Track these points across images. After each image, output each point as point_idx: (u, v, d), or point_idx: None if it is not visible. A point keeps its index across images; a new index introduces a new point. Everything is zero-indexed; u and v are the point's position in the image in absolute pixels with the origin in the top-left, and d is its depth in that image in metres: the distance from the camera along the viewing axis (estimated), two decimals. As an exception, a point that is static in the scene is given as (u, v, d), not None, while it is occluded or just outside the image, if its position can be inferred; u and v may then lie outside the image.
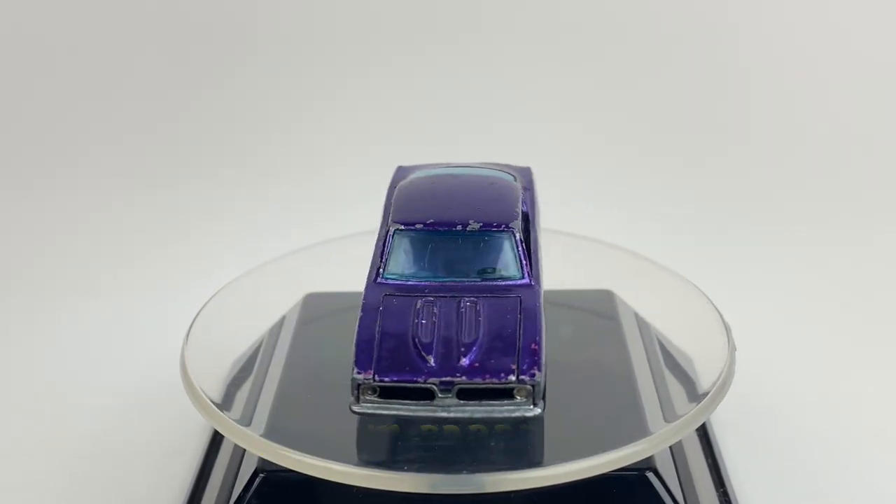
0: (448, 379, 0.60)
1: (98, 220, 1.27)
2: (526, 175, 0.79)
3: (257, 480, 0.69)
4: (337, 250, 0.88)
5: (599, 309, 0.81)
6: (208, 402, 0.69)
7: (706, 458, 0.81)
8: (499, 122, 1.39)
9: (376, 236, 0.73)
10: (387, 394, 0.61)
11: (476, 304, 0.64)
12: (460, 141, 1.36)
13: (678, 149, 1.36)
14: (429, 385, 0.60)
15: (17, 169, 1.36)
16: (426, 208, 0.69)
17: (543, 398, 0.62)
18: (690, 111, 1.39)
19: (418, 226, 0.67)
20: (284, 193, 1.29)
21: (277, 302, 0.84)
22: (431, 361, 0.61)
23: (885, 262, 1.15)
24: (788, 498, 0.80)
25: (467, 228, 0.67)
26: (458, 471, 0.63)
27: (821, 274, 1.13)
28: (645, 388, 0.72)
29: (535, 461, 0.65)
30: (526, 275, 0.67)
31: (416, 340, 0.61)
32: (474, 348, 0.61)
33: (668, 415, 0.69)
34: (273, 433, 0.67)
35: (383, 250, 0.67)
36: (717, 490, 0.77)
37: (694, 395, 0.71)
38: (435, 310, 0.63)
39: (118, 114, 1.41)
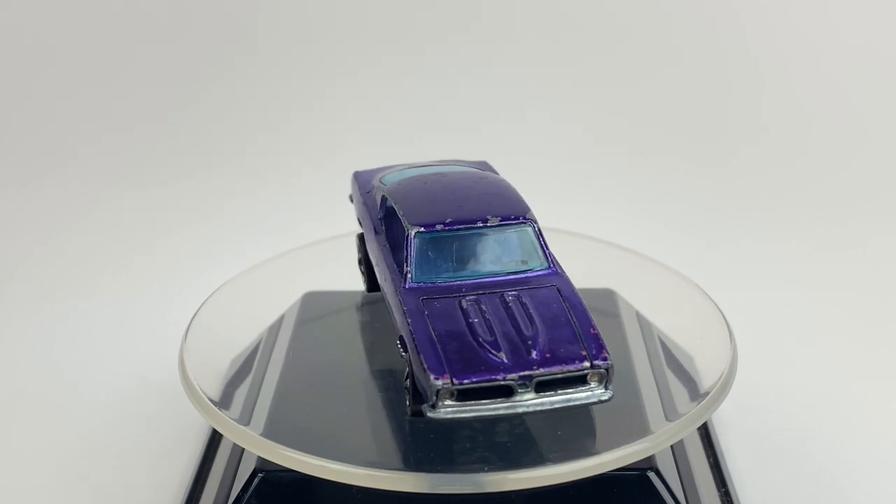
0: (526, 373, 0.60)
1: (96, 219, 1.27)
2: (486, 168, 0.80)
3: (256, 480, 0.69)
4: (336, 249, 0.88)
5: (601, 307, 0.81)
6: (207, 400, 0.70)
7: (708, 457, 0.81)
8: (499, 121, 1.39)
9: (358, 244, 0.77)
10: (464, 396, 0.60)
11: (520, 298, 0.64)
12: (459, 140, 1.36)
13: (680, 148, 1.36)
14: (508, 382, 0.60)
15: (14, 167, 1.36)
16: (439, 208, 0.68)
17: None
18: (693, 110, 1.39)
19: (438, 226, 0.66)
20: (283, 192, 1.29)
21: (276, 301, 0.84)
22: (504, 358, 0.60)
23: (889, 261, 1.15)
24: (790, 498, 0.80)
25: (487, 224, 0.67)
26: (458, 470, 0.64)
27: (824, 273, 1.13)
28: (646, 387, 0.72)
29: (535, 460, 0.65)
30: (551, 263, 0.68)
31: (479, 339, 0.61)
32: (539, 340, 0.61)
33: (670, 414, 0.69)
34: (272, 432, 0.67)
35: (407, 255, 0.66)
36: (718, 490, 0.77)
37: (695, 393, 0.71)
38: (483, 307, 0.63)
39: (116, 111, 1.41)
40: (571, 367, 0.60)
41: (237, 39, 1.43)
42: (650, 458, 0.68)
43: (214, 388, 0.72)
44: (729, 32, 1.42)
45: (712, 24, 1.42)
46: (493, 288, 0.65)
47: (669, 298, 0.82)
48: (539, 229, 0.68)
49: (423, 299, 0.64)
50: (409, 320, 0.63)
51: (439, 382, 0.59)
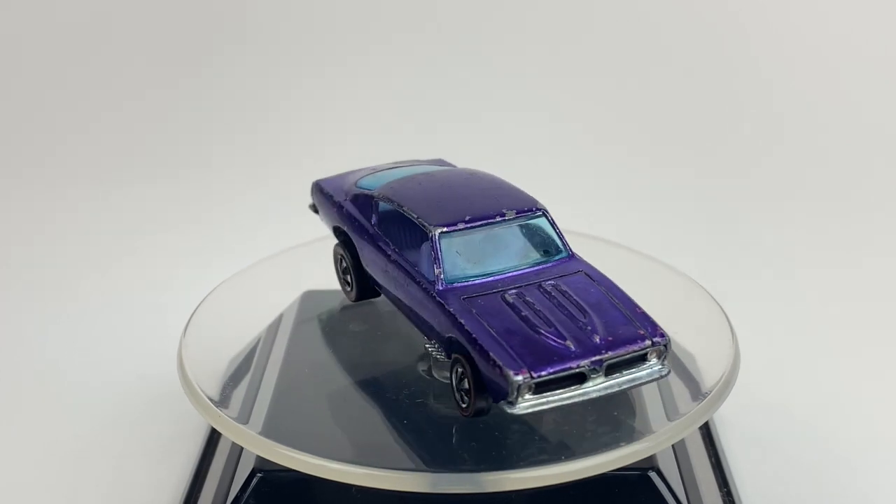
0: (597, 358, 0.61)
1: (94, 218, 1.27)
2: (445, 165, 0.82)
3: (255, 480, 0.69)
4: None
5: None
6: (206, 399, 0.70)
7: (709, 457, 0.81)
8: (498, 120, 1.39)
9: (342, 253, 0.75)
10: (540, 388, 0.61)
11: (558, 286, 0.65)
12: (457, 139, 1.36)
13: (681, 146, 1.36)
14: (581, 369, 0.61)
15: (12, 167, 1.36)
16: (452, 207, 0.68)
17: None
18: (693, 108, 1.39)
19: (460, 225, 0.67)
20: (283, 190, 1.29)
21: (275, 300, 0.84)
22: (571, 346, 0.61)
23: (892, 261, 1.15)
24: (792, 498, 0.80)
25: (505, 218, 0.68)
26: (458, 470, 0.64)
27: (826, 272, 1.14)
28: (647, 387, 0.72)
29: (536, 460, 0.65)
30: (569, 250, 0.69)
31: (540, 331, 0.62)
32: (595, 325, 0.63)
33: (671, 413, 0.69)
34: (271, 431, 0.67)
35: (435, 256, 0.66)
36: (720, 490, 0.78)
37: (697, 393, 0.71)
38: (528, 300, 0.64)
39: (114, 109, 1.41)
40: (636, 347, 0.62)
41: (234, 35, 1.43)
42: (651, 458, 0.68)
43: (213, 387, 0.72)
44: (731, 31, 1.42)
45: (714, 23, 1.42)
46: (527, 280, 0.66)
47: (671, 297, 0.82)
48: (552, 218, 0.69)
49: (464, 298, 0.65)
50: (463, 321, 0.63)
51: (519, 378, 0.59)
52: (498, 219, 0.68)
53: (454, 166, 0.81)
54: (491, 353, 0.61)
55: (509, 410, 0.60)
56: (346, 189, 0.77)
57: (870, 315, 1.05)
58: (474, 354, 0.62)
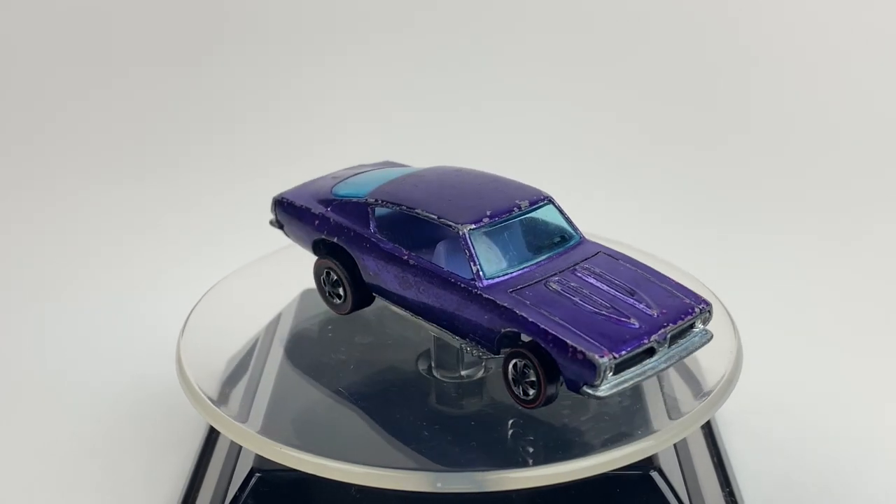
0: (662, 331, 0.64)
1: (91, 217, 1.27)
2: (395, 166, 0.83)
3: (253, 480, 0.69)
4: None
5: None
6: (205, 398, 0.70)
7: (711, 457, 0.81)
8: (497, 117, 1.40)
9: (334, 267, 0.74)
10: (619, 368, 0.62)
11: (592, 269, 0.68)
12: (456, 136, 1.36)
13: (683, 143, 1.36)
14: (651, 343, 0.63)
15: (9, 166, 1.36)
16: (466, 204, 0.69)
17: None
18: (694, 105, 1.39)
19: (485, 220, 0.68)
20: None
21: (274, 298, 0.84)
22: (636, 323, 0.64)
23: (894, 258, 1.16)
24: (796, 498, 0.80)
25: (521, 210, 0.69)
26: (458, 469, 0.64)
27: (829, 271, 1.14)
28: (649, 386, 0.72)
29: (537, 459, 0.65)
30: (580, 234, 0.72)
31: (601, 313, 0.64)
32: (645, 300, 0.66)
33: (673, 412, 0.70)
34: (270, 430, 0.67)
35: (470, 254, 0.66)
36: (722, 490, 0.78)
37: (699, 392, 0.72)
38: (573, 284, 0.66)
39: (110, 105, 1.41)
40: (690, 316, 0.66)
41: (229, 31, 1.44)
42: (653, 458, 0.69)
43: (212, 386, 0.72)
44: (726, 24, 1.42)
45: (714, 20, 1.42)
46: (559, 267, 0.68)
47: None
48: (559, 205, 0.71)
49: (511, 292, 0.66)
50: (523, 314, 0.64)
51: (605, 360, 0.61)
52: (515, 211, 0.69)
53: (406, 166, 0.81)
54: (568, 341, 0.62)
55: (594, 394, 0.62)
56: (322, 199, 0.76)
57: (874, 314, 1.06)
58: (545, 345, 0.63)
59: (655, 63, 1.41)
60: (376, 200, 0.72)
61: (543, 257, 0.69)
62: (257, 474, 0.69)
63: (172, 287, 1.09)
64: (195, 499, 0.77)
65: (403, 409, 0.70)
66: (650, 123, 1.38)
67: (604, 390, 0.62)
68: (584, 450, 0.65)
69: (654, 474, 0.68)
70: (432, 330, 0.71)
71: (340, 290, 0.75)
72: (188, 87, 1.42)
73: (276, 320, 0.82)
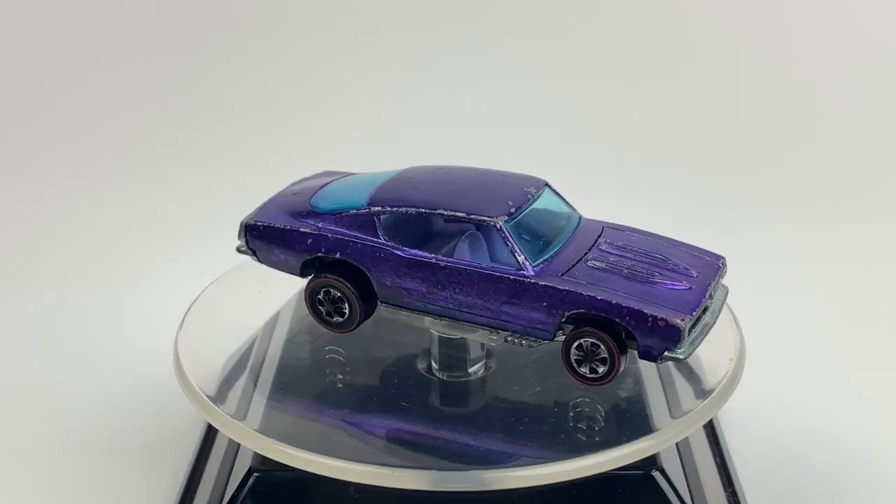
0: (709, 288, 0.69)
1: (88, 214, 1.28)
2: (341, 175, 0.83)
3: (251, 480, 0.70)
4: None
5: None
6: (203, 396, 0.71)
7: (714, 456, 0.82)
8: (498, 113, 1.40)
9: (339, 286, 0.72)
10: (690, 329, 0.66)
11: (613, 243, 0.72)
12: (455, 133, 1.37)
13: (683, 140, 1.37)
14: (706, 301, 0.68)
15: (6, 164, 1.36)
16: (487, 198, 0.71)
17: None
18: (696, 99, 1.39)
19: (513, 210, 0.70)
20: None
21: (273, 296, 0.85)
22: (686, 284, 0.68)
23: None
24: (799, 498, 0.81)
25: (534, 196, 0.72)
26: (459, 467, 0.65)
27: (833, 269, 1.14)
28: (651, 385, 0.73)
29: (538, 458, 0.66)
30: (577, 211, 0.75)
31: (653, 280, 0.68)
32: (679, 264, 0.70)
33: (675, 411, 0.70)
34: (268, 428, 0.68)
35: (511, 245, 0.68)
36: (725, 490, 0.78)
37: (701, 391, 0.72)
38: (611, 259, 0.70)
39: (110, 100, 1.42)
40: (721, 270, 0.72)
41: (228, 25, 1.44)
42: (655, 458, 0.69)
43: (210, 384, 0.73)
44: (726, 20, 1.42)
45: (716, 17, 1.43)
46: (585, 245, 0.71)
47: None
48: (554, 188, 0.74)
49: (562, 275, 0.68)
50: (590, 293, 0.66)
51: (685, 323, 0.65)
52: (529, 198, 0.71)
53: (350, 173, 0.81)
54: (646, 311, 0.65)
55: (678, 356, 0.65)
56: (305, 216, 0.74)
57: (879, 312, 1.06)
58: (622, 319, 0.66)
59: (655, 59, 1.41)
60: (383, 208, 0.71)
61: (565, 239, 0.71)
62: (255, 474, 0.70)
63: (169, 284, 1.09)
64: (192, 499, 0.77)
65: (403, 408, 0.71)
66: (649, 117, 1.38)
67: (683, 352, 0.65)
68: (585, 448, 0.66)
69: (657, 474, 0.69)
70: (461, 332, 0.71)
71: (345, 308, 0.73)
72: (186, 78, 1.42)
73: (275, 318, 0.83)
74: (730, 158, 1.35)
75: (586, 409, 0.70)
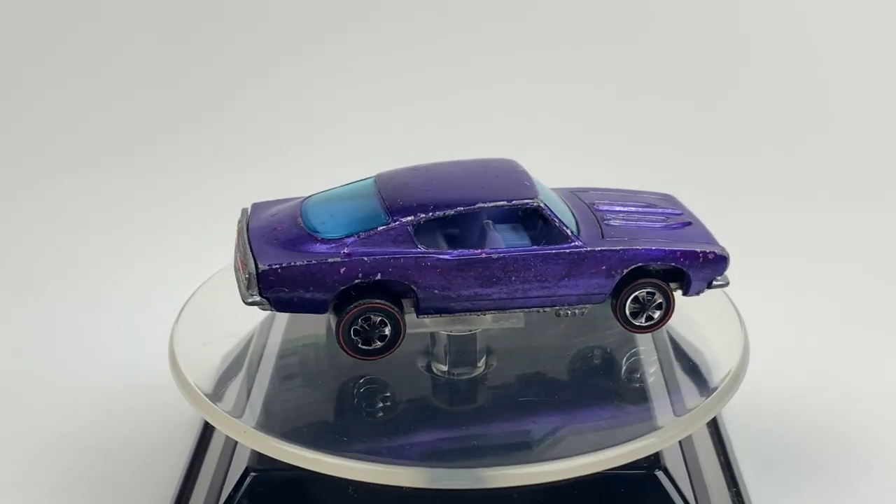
0: (694, 216, 0.78)
1: (81, 208, 1.28)
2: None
3: (248, 479, 0.71)
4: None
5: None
6: (199, 393, 0.71)
7: (718, 456, 0.82)
8: (497, 111, 1.41)
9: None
10: None
11: (595, 202, 0.77)
12: (455, 131, 1.37)
13: (686, 136, 1.37)
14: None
15: (4, 163, 1.37)
16: (499, 183, 0.73)
17: None
18: (699, 93, 1.40)
19: (535, 189, 0.73)
20: (275, 179, 1.30)
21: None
22: (684, 219, 0.77)
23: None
24: (804, 498, 0.81)
25: (529, 176, 0.75)
26: (458, 465, 0.65)
27: (839, 267, 1.15)
28: (654, 382, 0.74)
29: (539, 456, 0.67)
30: None
31: (671, 225, 0.76)
32: (656, 206, 0.79)
33: (678, 409, 0.71)
34: (266, 425, 0.69)
35: (556, 220, 0.71)
36: (729, 490, 0.79)
37: (705, 388, 0.73)
38: (622, 214, 0.76)
39: (107, 97, 1.42)
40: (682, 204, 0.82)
41: (226, 19, 1.44)
42: (658, 457, 0.70)
43: (206, 382, 0.73)
44: (725, 12, 1.43)
45: (720, 12, 1.43)
46: (585, 210, 0.76)
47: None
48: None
49: (602, 238, 0.73)
50: (644, 247, 0.72)
51: (726, 249, 0.74)
52: (529, 176, 0.75)
53: (291, 198, 0.79)
54: (697, 250, 0.73)
55: (725, 283, 0.74)
56: (315, 247, 0.70)
57: (887, 309, 1.07)
58: (678, 262, 0.72)
59: (654, 54, 1.42)
60: (416, 216, 0.70)
61: (568, 206, 0.75)
62: (252, 474, 0.71)
63: (165, 281, 1.10)
64: (188, 499, 0.78)
65: (402, 405, 0.72)
66: (653, 112, 1.39)
67: (726, 276, 0.74)
68: (586, 446, 0.66)
69: (660, 474, 0.70)
70: (507, 319, 0.74)
71: (387, 330, 0.71)
72: (179, 76, 1.43)
73: (272, 314, 0.83)
74: (737, 151, 1.35)
75: (588, 407, 0.71)
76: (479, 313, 0.72)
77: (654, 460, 0.70)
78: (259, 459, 0.71)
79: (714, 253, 0.73)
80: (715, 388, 0.71)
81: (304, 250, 0.69)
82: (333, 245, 0.69)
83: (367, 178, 0.76)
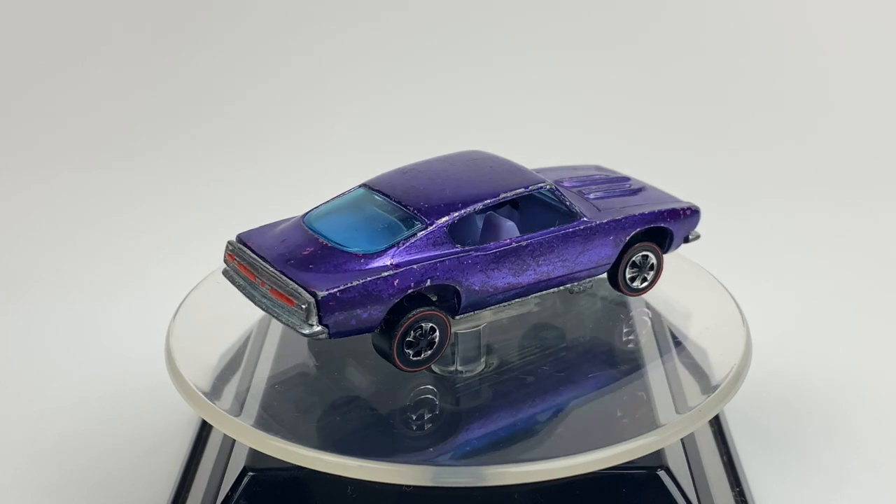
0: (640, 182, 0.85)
1: (78, 205, 1.29)
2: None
3: (246, 479, 0.71)
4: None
5: (608, 297, 0.83)
6: (197, 392, 0.71)
7: (721, 455, 0.83)
8: (499, 107, 1.41)
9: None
10: None
11: (561, 180, 0.81)
12: (456, 128, 1.38)
13: (687, 134, 1.38)
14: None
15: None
16: (504, 171, 0.76)
17: None
18: (700, 87, 1.40)
19: (538, 175, 0.77)
20: (276, 174, 1.30)
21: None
22: (639, 183, 0.84)
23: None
24: (808, 497, 0.82)
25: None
26: (459, 463, 0.66)
27: (842, 264, 1.16)
28: (655, 380, 0.74)
29: (539, 454, 0.67)
30: None
31: (632, 191, 0.82)
32: (610, 176, 0.85)
33: (680, 407, 0.71)
34: (264, 423, 0.69)
35: (569, 202, 0.75)
36: (732, 489, 0.79)
37: (707, 386, 0.73)
38: (592, 188, 0.81)
39: (104, 96, 1.43)
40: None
41: (231, 7, 1.45)
42: (660, 456, 0.71)
43: (204, 380, 0.74)
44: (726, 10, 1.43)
45: (719, 9, 1.44)
46: (569, 188, 0.81)
47: (681, 287, 0.84)
48: None
49: (601, 211, 0.77)
50: (638, 213, 0.77)
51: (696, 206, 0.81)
52: (515, 162, 0.78)
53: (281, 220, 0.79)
54: (677, 207, 0.80)
55: (696, 237, 0.82)
56: (357, 264, 0.68)
57: (892, 305, 1.07)
58: (664, 222, 0.79)
59: (653, 50, 1.43)
60: (450, 216, 0.71)
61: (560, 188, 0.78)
62: (250, 473, 0.71)
63: (162, 279, 1.10)
64: (185, 499, 0.78)
65: (401, 403, 0.72)
66: (654, 108, 1.39)
67: (697, 231, 0.82)
68: (587, 445, 0.66)
69: (662, 473, 0.70)
70: (527, 303, 0.78)
71: (436, 336, 0.71)
72: (179, 70, 1.43)
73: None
74: (739, 149, 1.36)
75: (590, 405, 0.72)
76: (505, 304, 0.74)
77: (657, 460, 0.70)
78: (257, 459, 0.71)
79: (690, 209, 0.80)
80: (717, 386, 0.72)
81: (351, 269, 0.68)
82: (378, 258, 0.68)
83: (353, 188, 0.76)
